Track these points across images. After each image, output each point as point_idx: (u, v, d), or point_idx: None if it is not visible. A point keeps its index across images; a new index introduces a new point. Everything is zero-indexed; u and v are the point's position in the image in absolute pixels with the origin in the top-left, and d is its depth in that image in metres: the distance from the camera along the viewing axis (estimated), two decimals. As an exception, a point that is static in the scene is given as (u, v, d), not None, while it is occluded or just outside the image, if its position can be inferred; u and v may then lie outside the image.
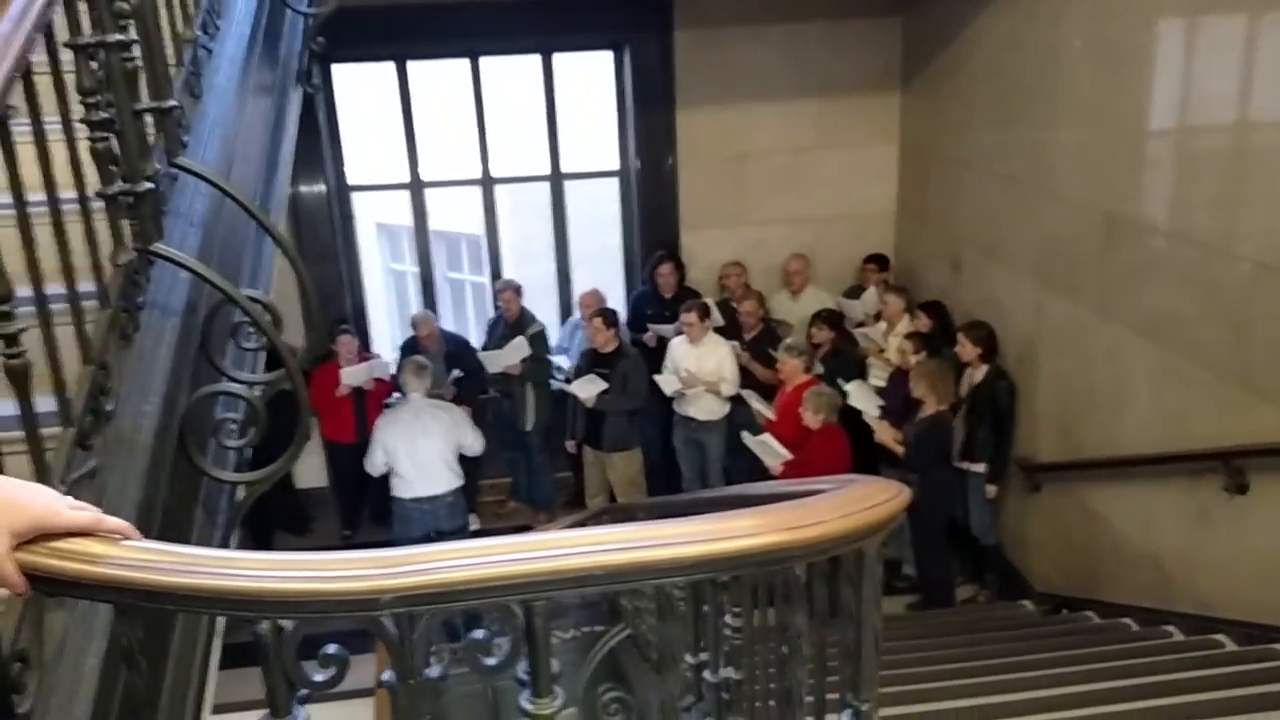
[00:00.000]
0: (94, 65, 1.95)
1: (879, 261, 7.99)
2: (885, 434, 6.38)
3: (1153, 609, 5.24)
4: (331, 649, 1.31)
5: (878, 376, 6.97)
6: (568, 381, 7.29)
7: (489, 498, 8.20)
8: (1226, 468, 4.59)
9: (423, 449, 6.50)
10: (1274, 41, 4.28)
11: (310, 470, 8.07)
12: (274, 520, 7.67)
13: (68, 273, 1.81)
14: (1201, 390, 4.84)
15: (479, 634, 1.33)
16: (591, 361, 7.22)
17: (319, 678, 1.31)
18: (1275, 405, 4.37)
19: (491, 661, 1.33)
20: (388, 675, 1.31)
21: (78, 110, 1.92)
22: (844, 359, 7.23)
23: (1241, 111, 4.51)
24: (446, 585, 1.23)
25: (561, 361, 7.61)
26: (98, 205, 1.98)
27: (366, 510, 7.88)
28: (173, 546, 1.27)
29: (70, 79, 1.88)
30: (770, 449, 6.24)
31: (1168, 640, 4.91)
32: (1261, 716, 3.59)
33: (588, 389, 7.06)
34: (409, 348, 7.72)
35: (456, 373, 7.53)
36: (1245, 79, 4.46)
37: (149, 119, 2.18)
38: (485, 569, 1.25)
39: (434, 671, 1.31)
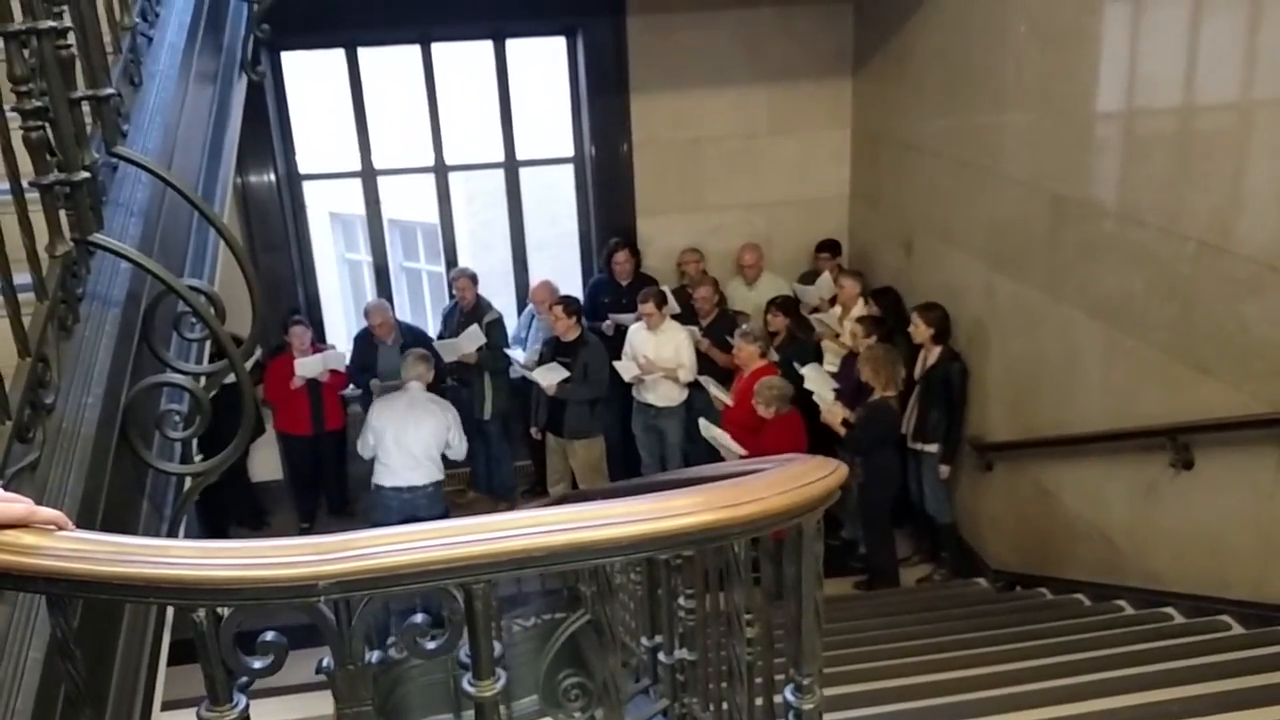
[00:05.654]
0: (26, 53, 1.91)
1: (831, 248, 8.06)
2: (831, 416, 6.40)
3: (1104, 584, 5.32)
4: (269, 636, 1.31)
5: (831, 361, 7.01)
6: (529, 369, 7.27)
7: (448, 488, 8.15)
8: (1173, 444, 4.66)
9: (412, 438, 6.48)
10: (1216, 24, 4.34)
11: (265, 463, 8.02)
12: (230, 515, 7.62)
13: (2, 265, 1.78)
14: (1149, 368, 4.91)
15: (417, 618, 1.33)
16: (554, 350, 7.21)
17: (258, 665, 1.30)
18: (1220, 381, 4.45)
19: (431, 645, 1.33)
20: (326, 661, 1.31)
21: (10, 99, 1.89)
22: (801, 346, 7.26)
23: (1186, 94, 4.57)
24: (384, 570, 1.23)
25: (516, 355, 7.56)
26: (33, 195, 1.95)
27: (323, 502, 7.82)
28: (107, 536, 1.26)
29: (1, 67, 1.85)
30: (725, 445, 6.23)
31: (1119, 614, 4.99)
32: (1207, 686, 3.65)
33: (549, 377, 7.06)
34: (362, 338, 7.67)
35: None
36: (1190, 62, 4.51)
37: (86, 107, 2.15)
38: (423, 553, 1.24)
39: (373, 657, 1.31)
